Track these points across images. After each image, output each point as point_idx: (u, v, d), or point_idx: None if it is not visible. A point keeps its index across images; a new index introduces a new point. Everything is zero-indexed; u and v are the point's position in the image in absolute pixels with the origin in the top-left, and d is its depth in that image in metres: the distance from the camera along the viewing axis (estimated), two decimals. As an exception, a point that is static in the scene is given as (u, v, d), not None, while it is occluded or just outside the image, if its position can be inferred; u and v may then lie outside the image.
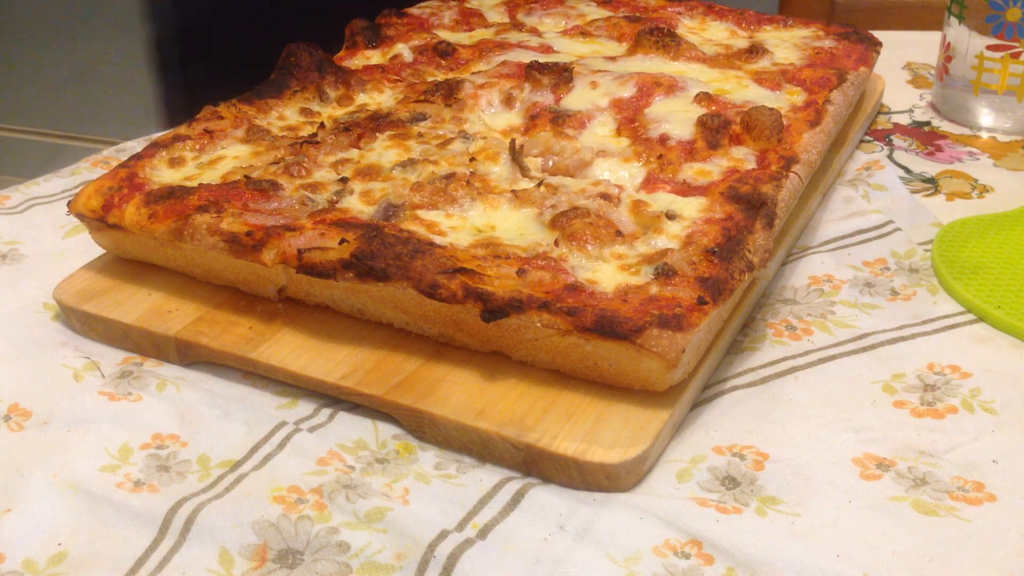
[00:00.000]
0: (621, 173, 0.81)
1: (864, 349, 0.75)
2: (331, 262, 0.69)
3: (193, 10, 1.31)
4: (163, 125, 1.35)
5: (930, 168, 0.99)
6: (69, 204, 0.80)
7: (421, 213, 0.75)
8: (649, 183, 0.79)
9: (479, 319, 0.67)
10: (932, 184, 0.96)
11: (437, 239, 0.72)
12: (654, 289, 0.67)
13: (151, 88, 1.39)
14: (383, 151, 0.83)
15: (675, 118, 0.84)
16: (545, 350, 0.68)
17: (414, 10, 1.10)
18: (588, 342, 0.65)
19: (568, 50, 0.99)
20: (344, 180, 0.79)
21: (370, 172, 0.80)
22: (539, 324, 0.66)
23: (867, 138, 1.05)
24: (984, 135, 1.05)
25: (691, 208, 0.75)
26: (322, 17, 1.22)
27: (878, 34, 1.06)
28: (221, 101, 0.89)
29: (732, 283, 0.68)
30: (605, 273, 0.69)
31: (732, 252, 0.70)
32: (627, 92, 0.87)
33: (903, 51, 1.23)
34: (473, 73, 0.95)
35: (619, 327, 0.64)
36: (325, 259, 0.70)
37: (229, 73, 1.03)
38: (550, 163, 0.83)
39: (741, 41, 1.02)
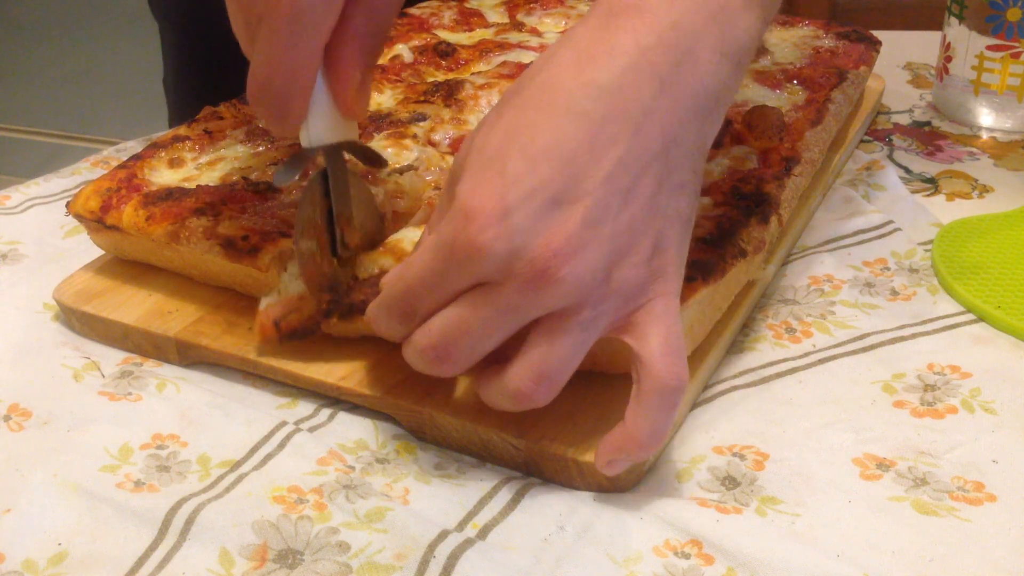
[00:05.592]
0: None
1: (864, 349, 0.74)
2: (311, 318, 0.69)
3: (193, 10, 1.31)
4: (162, 125, 1.35)
5: (930, 168, 0.99)
6: (68, 205, 0.80)
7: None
8: None
9: None
10: (932, 184, 0.96)
11: None
12: None
13: (150, 88, 1.39)
14: (381, 152, 0.82)
15: (675, 118, 0.84)
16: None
17: (414, 10, 1.10)
18: None
19: (568, 50, 0.98)
20: (343, 181, 0.79)
21: (368, 175, 0.80)
22: None
23: (867, 138, 1.05)
24: (984, 135, 1.05)
25: None
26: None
27: (878, 34, 1.06)
28: (221, 101, 0.89)
29: (724, 265, 0.68)
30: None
31: (725, 241, 0.70)
32: (627, 92, 0.87)
33: (903, 51, 1.23)
34: (473, 73, 0.95)
35: None
36: (303, 319, 0.70)
37: (229, 73, 1.03)
38: None
39: (741, 41, 1.02)
